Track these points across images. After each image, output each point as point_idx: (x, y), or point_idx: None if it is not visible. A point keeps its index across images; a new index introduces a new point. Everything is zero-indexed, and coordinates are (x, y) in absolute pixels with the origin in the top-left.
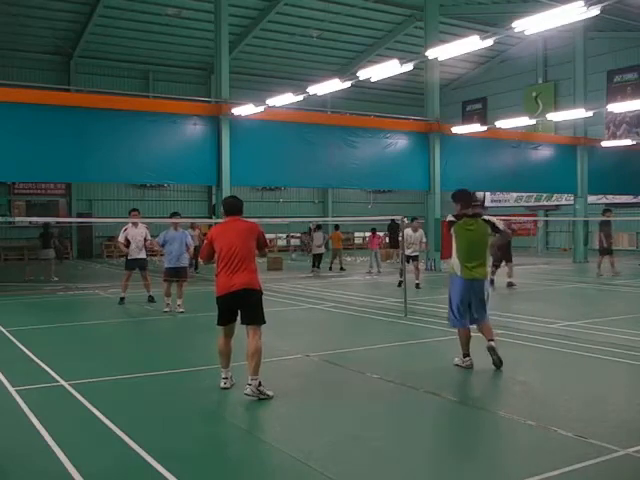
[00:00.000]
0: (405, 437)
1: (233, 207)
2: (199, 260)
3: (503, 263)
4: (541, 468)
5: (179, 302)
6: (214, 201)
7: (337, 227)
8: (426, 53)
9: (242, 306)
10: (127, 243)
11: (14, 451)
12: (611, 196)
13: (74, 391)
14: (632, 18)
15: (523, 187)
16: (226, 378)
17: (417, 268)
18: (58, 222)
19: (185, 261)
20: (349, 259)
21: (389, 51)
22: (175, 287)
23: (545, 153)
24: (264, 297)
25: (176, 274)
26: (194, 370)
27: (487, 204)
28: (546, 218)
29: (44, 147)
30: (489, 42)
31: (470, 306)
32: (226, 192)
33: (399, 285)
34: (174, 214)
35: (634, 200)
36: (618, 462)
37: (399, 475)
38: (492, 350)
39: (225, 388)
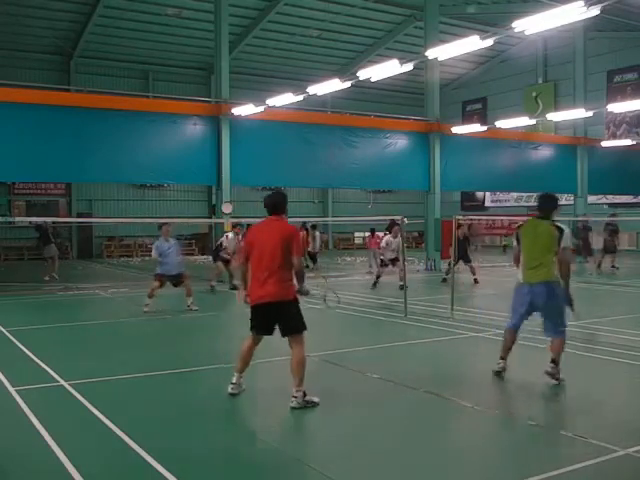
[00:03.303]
0: (405, 437)
1: (270, 205)
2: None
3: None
4: (541, 468)
5: (191, 300)
6: (214, 201)
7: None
8: (426, 53)
9: (277, 319)
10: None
11: (14, 451)
12: (611, 196)
13: (74, 391)
14: (632, 18)
15: (523, 187)
16: (235, 384)
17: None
18: (57, 222)
19: (182, 266)
20: (349, 259)
21: (389, 51)
22: (172, 289)
23: (545, 153)
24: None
25: (175, 278)
26: (194, 370)
27: (487, 204)
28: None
29: (44, 147)
30: (489, 42)
31: (542, 315)
32: (226, 192)
33: (374, 286)
34: (164, 224)
35: (634, 200)
36: (618, 462)
37: (399, 475)
38: (549, 375)
39: (232, 394)
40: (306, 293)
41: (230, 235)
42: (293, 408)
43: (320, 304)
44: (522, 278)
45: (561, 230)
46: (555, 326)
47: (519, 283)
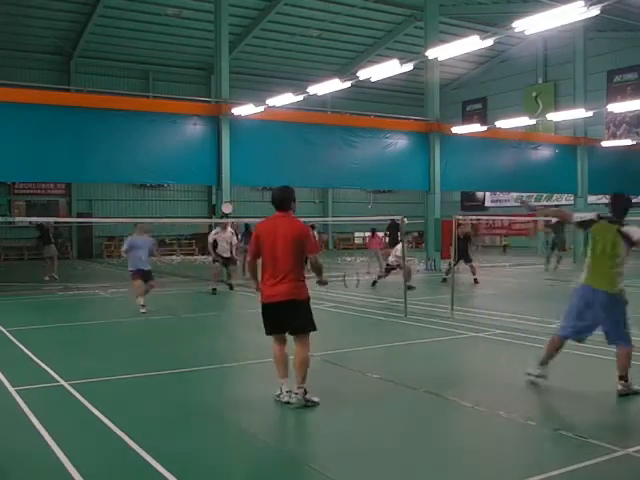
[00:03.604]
0: (405, 437)
1: (277, 200)
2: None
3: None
4: (541, 468)
5: (144, 300)
6: (214, 201)
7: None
8: (426, 53)
9: (288, 317)
10: (215, 244)
11: (14, 451)
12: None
13: (74, 391)
14: (632, 18)
15: (523, 187)
16: (289, 391)
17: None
18: (57, 222)
19: (149, 264)
20: (349, 259)
21: (389, 51)
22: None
23: (545, 153)
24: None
25: (146, 275)
26: (194, 370)
27: (487, 204)
28: (546, 217)
29: (44, 147)
30: (489, 42)
31: (601, 325)
32: (226, 192)
33: (373, 285)
34: (138, 224)
35: (634, 200)
36: (618, 462)
37: (399, 475)
38: (622, 394)
39: (289, 402)
40: (325, 283)
41: (214, 230)
42: (293, 404)
43: (320, 304)
44: (584, 279)
45: (626, 236)
46: (613, 335)
47: (580, 284)
